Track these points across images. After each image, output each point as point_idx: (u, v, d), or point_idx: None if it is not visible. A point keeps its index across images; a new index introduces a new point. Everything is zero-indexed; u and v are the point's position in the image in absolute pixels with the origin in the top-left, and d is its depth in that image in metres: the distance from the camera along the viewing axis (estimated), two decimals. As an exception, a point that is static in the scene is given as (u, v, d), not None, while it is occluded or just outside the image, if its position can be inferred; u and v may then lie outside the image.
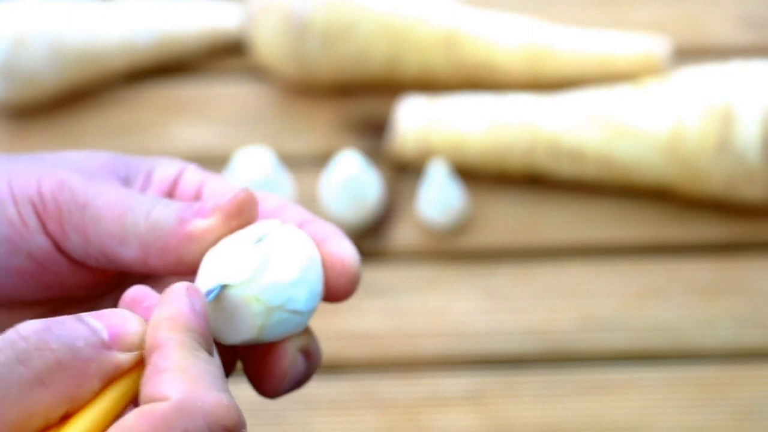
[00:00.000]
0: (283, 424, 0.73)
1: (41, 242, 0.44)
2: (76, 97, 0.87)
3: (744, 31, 0.89)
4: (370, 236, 0.80)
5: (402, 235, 0.80)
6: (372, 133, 0.84)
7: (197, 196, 0.47)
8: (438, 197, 0.79)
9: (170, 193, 0.47)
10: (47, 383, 0.37)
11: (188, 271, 0.44)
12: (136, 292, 0.42)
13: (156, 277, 0.48)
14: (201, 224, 0.44)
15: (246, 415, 0.75)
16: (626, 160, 0.79)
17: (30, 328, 0.37)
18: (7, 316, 0.46)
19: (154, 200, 0.45)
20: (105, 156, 0.47)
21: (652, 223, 0.80)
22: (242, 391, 0.74)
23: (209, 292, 0.42)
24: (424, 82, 0.85)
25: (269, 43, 0.85)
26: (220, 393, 0.38)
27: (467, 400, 0.73)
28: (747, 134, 0.76)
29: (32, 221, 0.44)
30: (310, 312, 0.44)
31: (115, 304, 0.46)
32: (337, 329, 0.76)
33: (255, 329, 0.43)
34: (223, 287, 0.42)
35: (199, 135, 0.85)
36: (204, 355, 0.39)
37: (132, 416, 0.37)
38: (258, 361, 0.44)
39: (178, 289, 0.40)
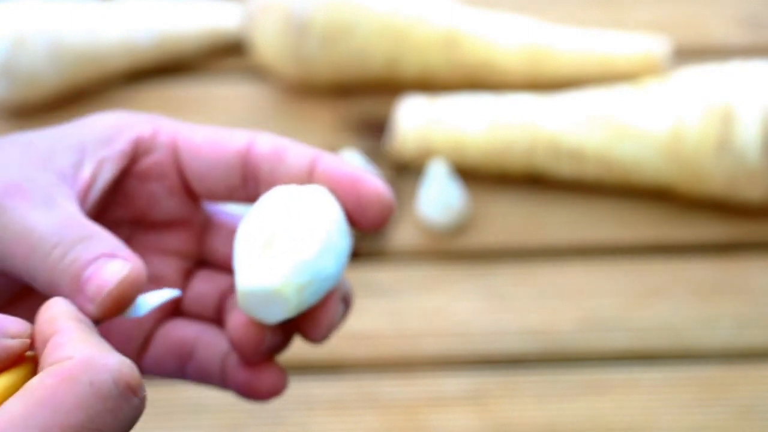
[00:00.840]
0: (283, 424, 0.73)
1: None
2: (76, 97, 0.87)
3: (744, 31, 0.89)
4: (370, 236, 0.80)
5: (402, 235, 0.80)
6: (372, 133, 0.84)
7: (174, 159, 0.48)
8: (438, 197, 0.79)
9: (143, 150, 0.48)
10: None
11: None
12: None
13: (149, 225, 0.49)
14: (87, 308, 0.43)
15: (246, 415, 0.76)
16: (626, 160, 0.79)
17: None
18: None
19: (56, 240, 0.44)
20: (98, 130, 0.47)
21: (652, 223, 0.80)
22: (242, 391, 0.74)
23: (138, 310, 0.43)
24: (424, 82, 0.85)
25: (269, 43, 0.85)
26: (120, 356, 0.38)
27: (467, 400, 0.73)
28: (747, 134, 0.76)
29: None
30: (342, 267, 0.46)
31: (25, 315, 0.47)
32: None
33: (292, 309, 0.44)
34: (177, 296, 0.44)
35: (199, 135, 0.85)
36: (96, 334, 0.40)
37: (37, 377, 0.37)
38: (304, 318, 0.46)
39: (55, 299, 0.41)
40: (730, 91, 0.77)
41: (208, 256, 0.50)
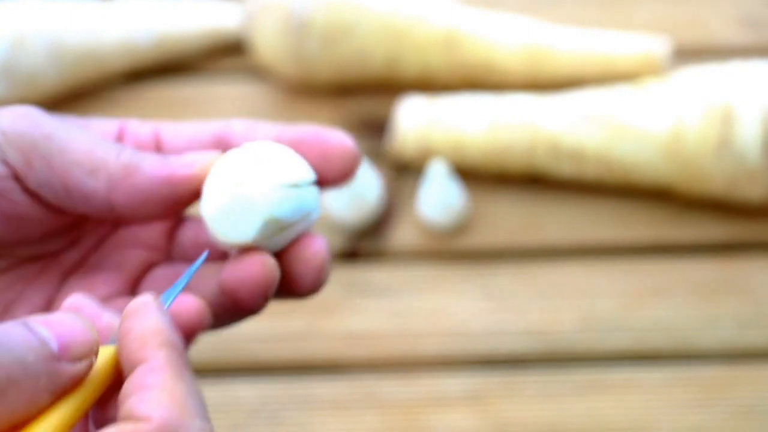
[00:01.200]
0: (283, 424, 0.73)
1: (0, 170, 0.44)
2: (76, 97, 0.87)
3: (744, 31, 0.89)
4: (370, 236, 0.80)
5: (402, 235, 0.80)
6: (372, 133, 0.84)
7: (156, 143, 0.48)
8: (438, 197, 0.79)
9: (119, 138, 0.48)
10: None
11: (148, 215, 0.45)
12: (75, 301, 0.42)
13: (108, 248, 0.48)
14: (181, 171, 0.45)
15: (246, 415, 0.76)
16: (626, 160, 0.79)
17: None
18: None
19: (121, 145, 0.45)
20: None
21: (652, 223, 0.80)
22: (243, 391, 0.74)
23: (192, 268, 0.44)
24: (424, 82, 0.85)
25: (269, 43, 0.85)
26: (202, 421, 0.37)
27: (467, 400, 0.73)
28: (747, 134, 0.76)
29: None
30: (309, 187, 0.45)
31: (80, 259, 0.47)
32: (337, 329, 0.76)
33: (263, 217, 0.44)
34: (209, 254, 0.44)
35: (199, 135, 0.85)
36: (189, 376, 0.39)
37: None
38: (295, 256, 0.45)
39: (148, 302, 0.40)
40: (730, 91, 0.77)
41: (174, 251, 0.50)
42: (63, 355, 0.38)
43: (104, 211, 0.45)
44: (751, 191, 0.78)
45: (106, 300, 0.47)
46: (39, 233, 0.46)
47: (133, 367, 0.39)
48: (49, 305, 0.47)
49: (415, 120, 0.81)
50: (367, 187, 0.79)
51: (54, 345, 0.38)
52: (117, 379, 0.40)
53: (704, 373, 0.74)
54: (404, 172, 0.82)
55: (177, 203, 0.45)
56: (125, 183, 0.44)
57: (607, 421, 0.72)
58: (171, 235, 0.49)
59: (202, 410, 0.38)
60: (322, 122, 0.85)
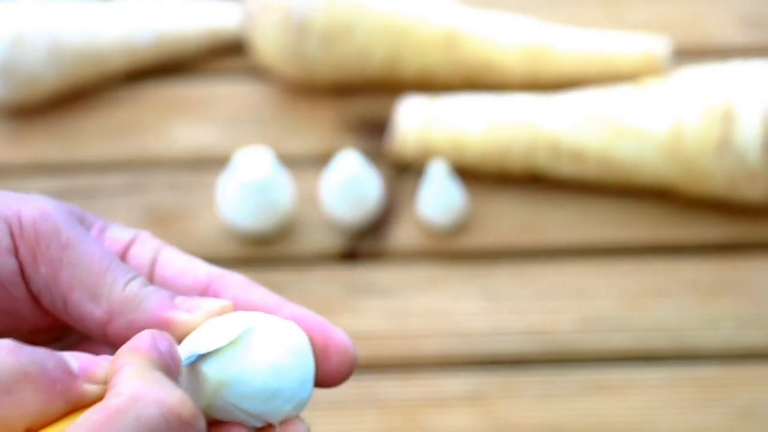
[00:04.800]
0: (283, 424, 0.73)
1: (9, 262, 0.43)
2: (75, 97, 0.87)
3: (744, 31, 0.89)
4: (370, 236, 0.80)
5: (402, 235, 0.80)
6: (372, 133, 0.84)
7: (151, 267, 0.46)
8: (438, 197, 0.79)
9: (122, 257, 0.46)
10: (13, 392, 0.37)
11: None
12: (88, 359, 0.42)
13: (93, 344, 0.47)
14: (182, 317, 0.43)
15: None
16: (626, 160, 0.79)
17: (2, 342, 0.38)
18: None
19: (134, 272, 0.44)
20: (56, 202, 0.46)
21: (652, 223, 0.80)
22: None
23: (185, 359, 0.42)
24: (424, 82, 0.85)
25: (269, 43, 0.85)
26: (174, 388, 0.38)
27: (467, 400, 0.73)
28: (747, 134, 0.76)
29: (5, 240, 0.43)
30: (269, 409, 0.43)
31: None
32: (337, 329, 0.76)
33: (205, 395, 0.42)
34: (199, 357, 0.42)
35: (199, 135, 0.85)
36: (160, 375, 0.39)
37: (84, 414, 0.37)
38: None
39: (144, 331, 0.41)
40: (731, 91, 0.77)
41: None
42: (81, 375, 0.39)
43: (96, 335, 0.44)
44: (751, 191, 0.78)
45: None
46: (28, 329, 0.46)
47: (110, 379, 0.39)
48: None
49: (415, 120, 0.81)
50: (367, 187, 0.79)
51: (74, 366, 0.39)
52: None
53: (704, 373, 0.74)
54: (404, 172, 0.82)
55: None
56: (124, 317, 0.43)
57: (607, 421, 0.72)
58: None
59: (176, 388, 0.38)
60: (322, 122, 0.85)
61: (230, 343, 0.41)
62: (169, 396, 0.37)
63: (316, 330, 0.45)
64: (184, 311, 0.43)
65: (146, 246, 0.46)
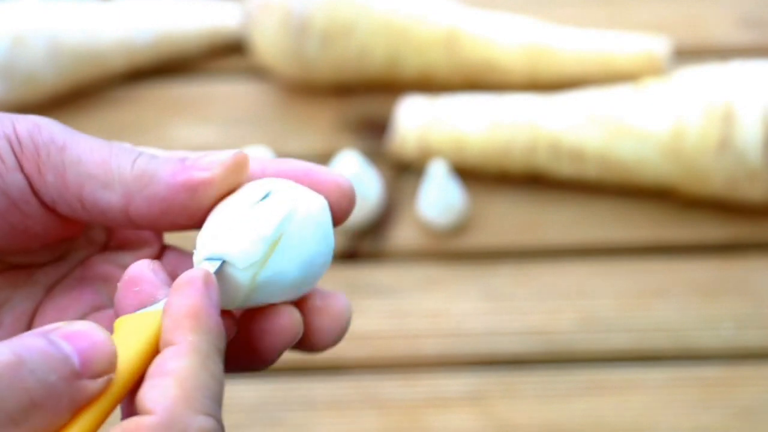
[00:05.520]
0: (283, 424, 0.73)
1: (18, 180, 0.43)
2: (75, 97, 0.87)
3: (744, 31, 0.89)
4: (370, 236, 0.80)
5: (402, 235, 0.80)
6: (372, 133, 0.84)
7: None
8: (438, 197, 0.79)
9: None
10: (20, 423, 0.36)
11: (169, 224, 0.43)
12: (136, 272, 0.41)
13: (117, 244, 0.47)
14: (200, 175, 0.43)
15: (245, 415, 0.76)
16: (627, 160, 0.79)
17: (3, 362, 0.36)
18: None
19: (136, 150, 0.44)
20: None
21: (652, 223, 0.80)
22: (243, 391, 0.74)
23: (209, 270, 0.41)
24: (424, 82, 0.85)
25: (269, 42, 0.84)
26: (206, 418, 0.37)
27: (467, 400, 0.73)
28: (747, 134, 0.76)
29: (9, 158, 0.43)
30: (309, 276, 0.42)
31: (67, 272, 0.46)
32: (337, 329, 0.76)
33: (243, 290, 0.42)
34: (223, 263, 0.41)
35: (199, 135, 0.85)
36: (213, 365, 0.38)
37: (115, 430, 0.36)
38: (320, 312, 0.44)
39: (196, 278, 0.39)
40: (731, 91, 0.77)
41: None
42: (84, 371, 0.38)
43: (123, 223, 0.44)
44: (751, 191, 0.78)
45: (90, 312, 0.46)
46: (39, 245, 0.45)
47: (163, 347, 0.38)
48: (36, 311, 0.46)
49: (415, 120, 0.81)
50: (367, 187, 0.79)
51: (75, 361, 0.37)
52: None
53: (704, 373, 0.74)
54: (404, 172, 0.82)
55: (198, 211, 0.43)
56: (142, 194, 0.43)
57: (607, 421, 0.72)
58: (158, 257, 0.48)
59: (211, 406, 0.37)
60: (322, 122, 0.85)
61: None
62: (203, 425, 0.37)
63: (303, 176, 0.44)
64: (199, 170, 0.43)
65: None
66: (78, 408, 0.38)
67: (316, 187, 0.44)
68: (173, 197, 0.43)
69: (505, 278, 0.78)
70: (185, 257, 0.47)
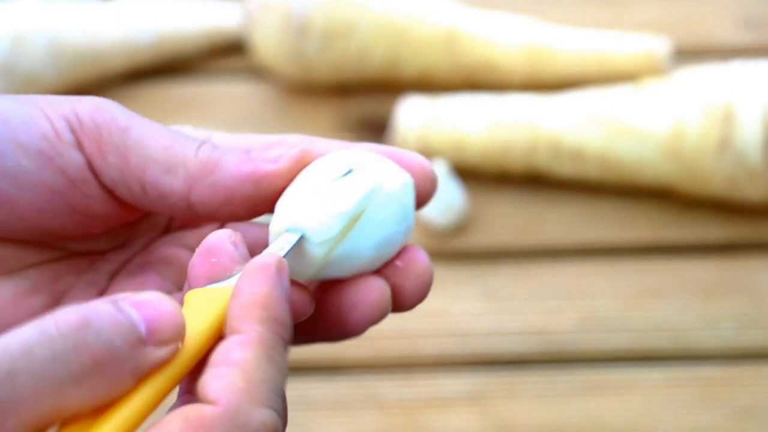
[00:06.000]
0: (283, 424, 0.73)
1: (75, 157, 0.43)
2: (75, 97, 0.87)
3: (744, 31, 0.89)
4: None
5: (402, 235, 0.80)
6: (372, 133, 0.84)
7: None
8: (438, 197, 0.79)
9: None
10: (82, 383, 0.36)
11: (229, 213, 0.43)
12: (215, 242, 0.40)
13: (180, 225, 0.47)
14: (266, 167, 0.42)
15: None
16: (627, 160, 0.79)
17: (69, 321, 0.36)
18: (19, 253, 0.44)
19: (201, 139, 0.44)
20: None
21: (652, 223, 0.80)
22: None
23: (280, 243, 0.40)
24: (424, 82, 0.85)
25: (269, 43, 0.84)
26: (268, 411, 0.37)
27: (467, 400, 0.73)
28: (748, 134, 0.76)
29: (67, 136, 0.43)
30: (384, 252, 0.42)
31: (129, 259, 0.46)
32: (337, 329, 0.76)
33: (318, 262, 0.41)
34: (302, 237, 0.41)
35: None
36: (278, 357, 0.38)
37: (177, 419, 0.36)
38: (404, 271, 0.43)
39: (269, 264, 0.39)
40: (731, 91, 0.77)
41: None
42: (150, 339, 0.37)
43: (182, 210, 0.43)
44: (751, 191, 0.78)
45: None
46: (100, 230, 0.45)
47: (230, 334, 0.38)
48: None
49: (415, 120, 0.81)
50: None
51: (142, 328, 0.37)
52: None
53: (704, 373, 0.74)
54: (404, 172, 0.82)
55: (261, 202, 0.43)
56: (205, 181, 0.42)
57: (607, 421, 0.72)
58: None
59: (274, 399, 0.37)
60: (322, 122, 0.85)
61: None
62: (261, 423, 0.36)
63: (411, 164, 0.43)
64: (266, 162, 0.42)
65: (197, 132, 0.46)
66: (142, 375, 0.37)
67: (401, 165, 0.43)
68: (238, 187, 0.42)
69: (505, 278, 0.78)
70: (254, 227, 0.47)
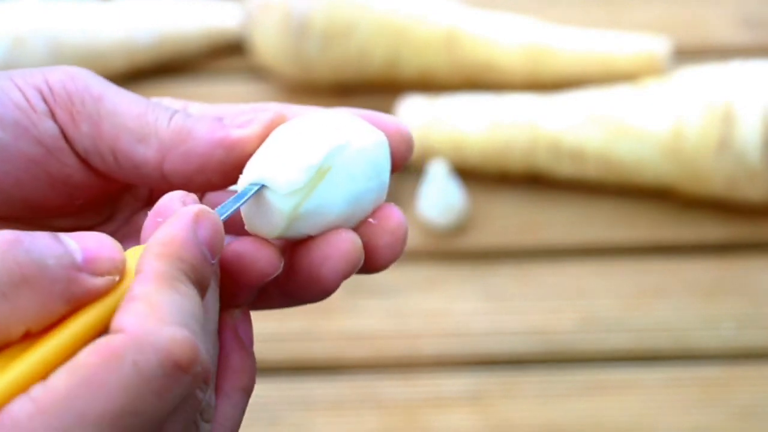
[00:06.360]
0: (283, 424, 0.73)
1: (49, 127, 0.42)
2: (75, 97, 0.87)
3: (744, 31, 0.89)
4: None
5: (402, 235, 0.80)
6: (372, 133, 0.84)
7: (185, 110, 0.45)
8: (438, 197, 0.79)
9: None
10: (9, 297, 0.36)
11: (204, 182, 0.43)
12: (164, 202, 0.40)
13: (161, 196, 0.46)
14: (237, 133, 0.42)
15: (246, 415, 0.75)
16: (626, 160, 0.79)
17: (1, 237, 0.36)
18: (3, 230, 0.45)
19: (173, 108, 0.43)
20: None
21: (652, 223, 0.80)
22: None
23: (242, 195, 0.40)
24: (424, 82, 0.85)
25: (269, 43, 0.85)
26: (178, 327, 0.36)
27: (467, 400, 0.73)
28: (747, 134, 0.76)
29: (40, 105, 0.42)
30: (357, 210, 0.41)
31: (113, 232, 0.45)
32: (337, 329, 0.76)
33: (285, 217, 0.41)
34: (262, 187, 0.40)
35: (199, 135, 0.85)
36: (184, 288, 0.37)
37: (86, 350, 0.36)
38: (377, 229, 0.42)
39: (186, 211, 0.39)
40: (731, 91, 0.77)
41: None
42: (85, 267, 0.37)
43: (156, 180, 0.43)
44: (751, 191, 0.78)
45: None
46: (81, 200, 0.45)
47: (136, 275, 0.38)
48: None
49: (415, 120, 0.81)
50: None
51: (78, 256, 0.37)
52: None
53: (704, 373, 0.74)
54: (404, 172, 0.82)
55: (234, 168, 0.42)
56: (178, 150, 0.42)
57: (606, 421, 0.72)
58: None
59: (185, 320, 0.37)
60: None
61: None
62: (170, 341, 0.36)
63: (387, 126, 0.43)
64: (237, 128, 0.42)
65: (174, 102, 0.45)
66: (75, 301, 0.37)
67: (376, 127, 0.43)
68: (210, 154, 0.42)
69: (505, 278, 0.78)
70: (231, 195, 0.46)
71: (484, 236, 0.80)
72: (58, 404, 0.35)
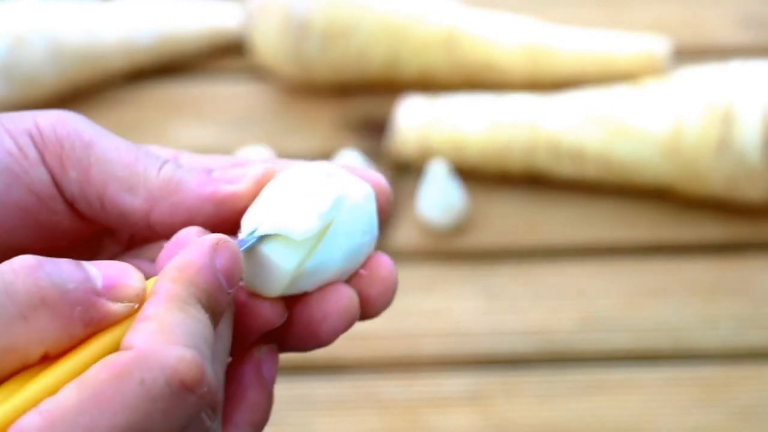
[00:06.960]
0: (283, 424, 0.73)
1: (41, 174, 0.42)
2: (75, 97, 0.87)
3: (744, 31, 0.89)
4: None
5: (402, 235, 0.80)
6: (372, 133, 0.84)
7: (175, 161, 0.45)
8: (438, 197, 0.79)
9: None
10: (29, 319, 0.36)
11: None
12: (183, 235, 0.40)
13: (143, 239, 0.46)
14: (227, 189, 0.42)
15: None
16: (626, 160, 0.79)
17: (23, 262, 0.36)
18: None
19: (164, 158, 0.43)
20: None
21: (652, 223, 0.80)
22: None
23: (243, 242, 0.40)
24: (424, 82, 0.85)
25: (269, 43, 0.85)
26: (186, 348, 0.36)
27: (467, 400, 0.73)
28: (747, 134, 0.76)
29: (31, 152, 0.42)
30: (351, 263, 0.42)
31: None
32: (337, 329, 0.76)
33: (286, 276, 0.41)
34: (261, 238, 0.40)
35: (199, 135, 0.85)
36: (195, 312, 0.37)
37: (95, 366, 0.36)
38: (369, 278, 0.43)
39: (206, 239, 0.39)
40: (731, 91, 0.77)
41: None
42: (106, 293, 0.37)
43: (142, 229, 0.43)
44: (751, 191, 0.78)
45: None
46: (65, 244, 0.44)
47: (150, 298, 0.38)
48: None
49: (415, 120, 0.81)
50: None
51: (98, 282, 0.37)
52: None
53: (704, 373, 0.74)
54: (404, 172, 0.82)
55: (222, 223, 0.42)
56: (166, 202, 0.42)
57: (606, 421, 0.73)
58: None
59: (194, 341, 0.37)
60: (322, 122, 0.85)
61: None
62: (178, 359, 0.36)
63: (368, 180, 0.43)
64: (227, 183, 0.42)
65: (163, 150, 0.45)
66: (95, 326, 0.37)
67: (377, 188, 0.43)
68: (198, 207, 0.42)
69: (505, 278, 0.78)
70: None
71: (484, 236, 0.80)
72: (66, 418, 0.35)
